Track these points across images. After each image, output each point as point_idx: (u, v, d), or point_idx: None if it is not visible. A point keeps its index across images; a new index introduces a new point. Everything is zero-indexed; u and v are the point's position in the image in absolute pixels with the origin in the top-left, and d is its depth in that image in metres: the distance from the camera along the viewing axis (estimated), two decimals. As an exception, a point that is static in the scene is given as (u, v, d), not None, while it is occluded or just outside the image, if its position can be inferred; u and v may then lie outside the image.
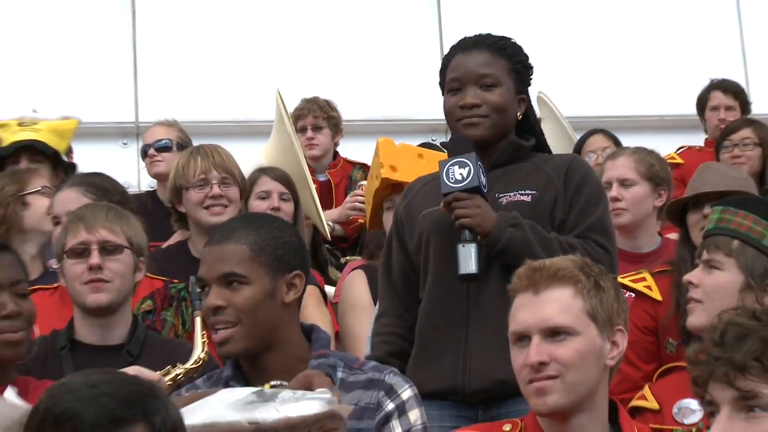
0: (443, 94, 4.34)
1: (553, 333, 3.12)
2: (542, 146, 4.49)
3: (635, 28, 9.39)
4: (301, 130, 7.20)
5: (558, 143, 6.56)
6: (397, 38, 9.11)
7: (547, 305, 3.14)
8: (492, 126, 4.21)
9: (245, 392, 3.17)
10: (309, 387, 3.20)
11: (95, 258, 4.29)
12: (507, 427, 3.25)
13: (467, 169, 4.01)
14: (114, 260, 4.32)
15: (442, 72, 4.36)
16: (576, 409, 3.12)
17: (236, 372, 3.62)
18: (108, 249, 4.33)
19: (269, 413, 3.08)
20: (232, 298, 3.48)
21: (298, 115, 7.27)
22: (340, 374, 3.57)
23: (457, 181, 4.00)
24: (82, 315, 4.35)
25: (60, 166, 6.15)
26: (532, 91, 4.53)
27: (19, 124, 6.29)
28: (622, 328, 3.22)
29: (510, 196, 4.15)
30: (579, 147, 6.97)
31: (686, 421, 3.04)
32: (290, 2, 9.27)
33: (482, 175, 4.03)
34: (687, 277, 4.00)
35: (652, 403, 3.96)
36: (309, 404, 3.11)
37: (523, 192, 4.19)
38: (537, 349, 3.09)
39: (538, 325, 3.12)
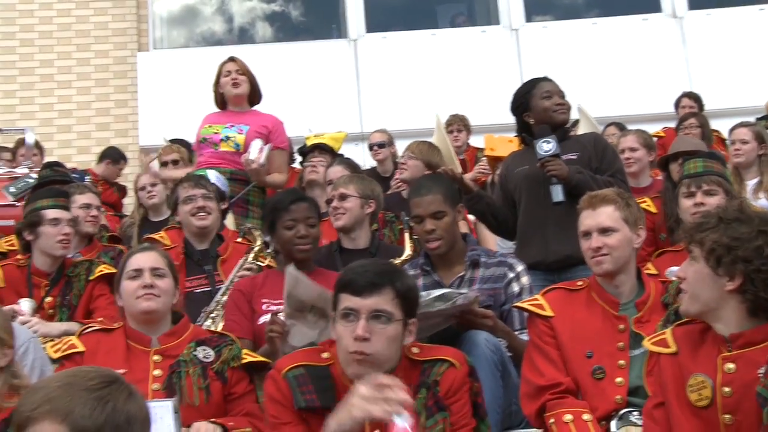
0: (525, 107, 4.32)
1: (605, 231, 3.08)
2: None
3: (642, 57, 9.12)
4: (450, 132, 7.09)
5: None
6: (489, 77, 8.95)
7: (601, 215, 3.10)
8: (569, 112, 4.32)
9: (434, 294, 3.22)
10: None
11: (334, 202, 4.31)
12: (580, 282, 3.20)
13: (551, 144, 4.02)
14: (345, 202, 4.28)
15: (528, 92, 4.33)
16: (619, 271, 3.10)
17: (426, 260, 3.62)
18: (342, 197, 4.29)
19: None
20: (439, 224, 3.52)
21: (448, 124, 7.17)
22: (483, 258, 3.59)
23: (546, 151, 4.01)
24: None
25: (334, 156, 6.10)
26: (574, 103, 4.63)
27: (315, 136, 6.41)
28: (642, 226, 3.19)
29: (565, 156, 4.11)
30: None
31: (672, 278, 3.03)
32: (443, 55, 9.18)
33: (558, 147, 4.03)
34: (698, 199, 3.95)
35: (653, 270, 3.86)
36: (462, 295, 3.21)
37: (571, 153, 4.16)
38: (596, 240, 3.07)
39: (596, 226, 3.10)
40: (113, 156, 7.65)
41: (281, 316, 3.30)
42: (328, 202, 4.43)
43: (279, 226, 3.73)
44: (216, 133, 5.18)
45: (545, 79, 4.35)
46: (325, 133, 6.85)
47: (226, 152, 5.13)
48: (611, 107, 8.33)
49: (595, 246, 3.10)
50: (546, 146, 4.05)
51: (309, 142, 6.73)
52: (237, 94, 5.26)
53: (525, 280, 3.59)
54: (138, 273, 3.16)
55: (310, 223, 3.75)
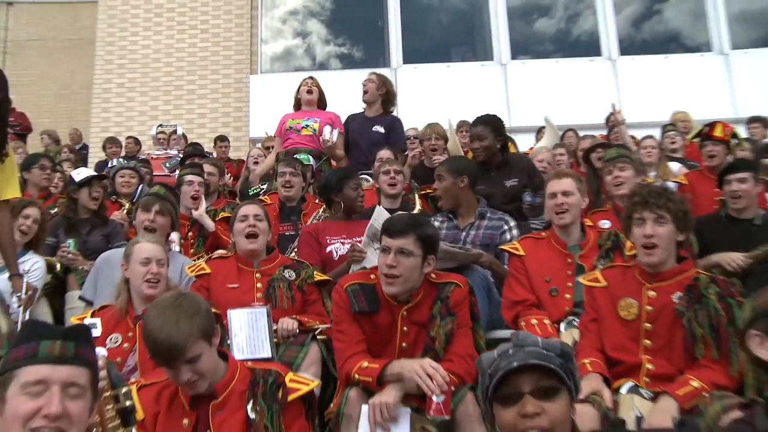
0: None
1: (566, 193, 3.00)
2: None
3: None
4: (460, 131, 6.25)
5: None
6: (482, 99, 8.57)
7: (564, 183, 2.97)
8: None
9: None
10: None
11: (392, 175, 4.09)
12: (544, 233, 3.05)
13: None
14: (399, 176, 4.10)
15: None
16: (572, 223, 3.03)
17: (445, 216, 3.49)
18: (397, 172, 4.08)
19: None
20: (440, 185, 3.42)
21: (458, 126, 6.38)
22: (488, 214, 3.44)
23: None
24: None
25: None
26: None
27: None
28: (585, 195, 3.05)
29: (509, 182, 3.94)
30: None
31: (604, 227, 2.92)
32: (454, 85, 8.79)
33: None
34: (615, 174, 3.63)
35: (589, 222, 3.30)
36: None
37: (513, 180, 3.97)
38: (560, 199, 2.99)
39: (560, 190, 2.98)
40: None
41: (360, 245, 3.30)
42: (385, 173, 4.15)
43: (346, 188, 3.67)
44: (298, 123, 5.19)
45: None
46: None
47: (306, 136, 5.12)
48: (568, 118, 7.95)
49: (560, 202, 2.98)
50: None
51: None
52: (309, 99, 5.27)
53: (515, 231, 3.45)
54: (245, 218, 3.20)
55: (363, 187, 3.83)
